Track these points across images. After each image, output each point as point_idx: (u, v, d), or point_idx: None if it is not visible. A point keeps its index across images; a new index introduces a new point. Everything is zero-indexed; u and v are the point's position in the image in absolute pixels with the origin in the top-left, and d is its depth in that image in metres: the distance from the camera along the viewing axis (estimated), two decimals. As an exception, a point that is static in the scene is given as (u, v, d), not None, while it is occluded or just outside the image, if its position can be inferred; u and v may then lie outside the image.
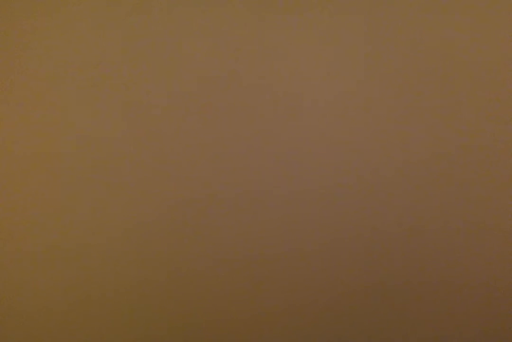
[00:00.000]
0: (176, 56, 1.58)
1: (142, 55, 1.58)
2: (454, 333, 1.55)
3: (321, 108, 1.58)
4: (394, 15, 1.57)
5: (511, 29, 1.54)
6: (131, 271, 1.56)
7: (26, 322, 1.53)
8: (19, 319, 1.53)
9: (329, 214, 1.57)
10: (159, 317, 1.56)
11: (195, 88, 1.58)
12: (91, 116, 1.57)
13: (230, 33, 1.58)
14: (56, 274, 1.54)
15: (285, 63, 1.58)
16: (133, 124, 1.57)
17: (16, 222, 1.54)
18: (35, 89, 1.56)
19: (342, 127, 1.58)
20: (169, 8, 1.58)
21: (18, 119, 1.56)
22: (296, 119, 1.58)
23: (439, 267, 1.55)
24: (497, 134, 1.54)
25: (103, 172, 1.56)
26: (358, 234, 1.57)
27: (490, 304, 1.54)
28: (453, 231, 1.55)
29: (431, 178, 1.56)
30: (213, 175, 1.57)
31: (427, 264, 1.56)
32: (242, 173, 1.58)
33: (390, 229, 1.57)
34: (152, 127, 1.57)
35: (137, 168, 1.57)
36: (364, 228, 1.57)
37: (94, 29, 1.57)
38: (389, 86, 1.58)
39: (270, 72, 1.58)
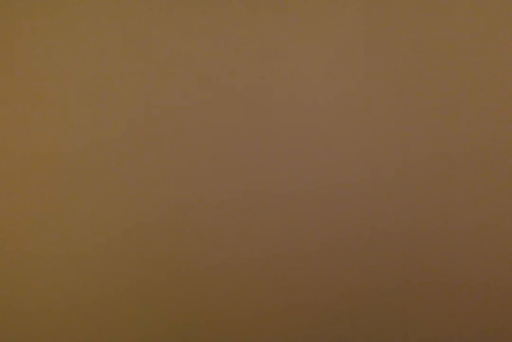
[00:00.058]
0: (176, 56, 1.58)
1: (142, 55, 1.58)
2: (454, 333, 1.55)
3: (321, 108, 1.58)
4: (394, 15, 1.57)
5: (511, 29, 1.54)
6: (131, 271, 1.56)
7: (26, 322, 1.53)
8: (19, 319, 1.53)
9: (329, 214, 1.57)
10: (159, 317, 1.56)
11: (195, 88, 1.58)
12: (91, 116, 1.57)
13: (230, 33, 1.58)
14: (56, 274, 1.54)
15: (285, 63, 1.58)
16: (133, 124, 1.57)
17: (16, 222, 1.54)
18: (35, 89, 1.56)
19: (342, 127, 1.58)
20: (169, 8, 1.58)
21: (18, 119, 1.56)
22: (296, 119, 1.58)
23: (439, 267, 1.55)
24: (497, 134, 1.54)
25: (103, 172, 1.56)
26: (358, 234, 1.57)
27: (490, 304, 1.54)
28: (453, 231, 1.55)
29: (431, 178, 1.56)
30: (213, 175, 1.57)
31: (427, 264, 1.56)
32: (242, 172, 1.58)
33: (390, 229, 1.57)
34: (152, 127, 1.57)
35: (137, 168, 1.57)
36: (364, 228, 1.57)
37: (94, 29, 1.57)
38: (389, 86, 1.58)
39: (270, 72, 1.58)
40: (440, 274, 1.55)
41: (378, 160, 1.58)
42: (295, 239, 1.57)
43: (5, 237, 1.53)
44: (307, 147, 1.58)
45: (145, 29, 1.58)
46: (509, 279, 1.53)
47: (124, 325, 1.55)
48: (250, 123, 1.58)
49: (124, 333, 1.55)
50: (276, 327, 1.57)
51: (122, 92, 1.57)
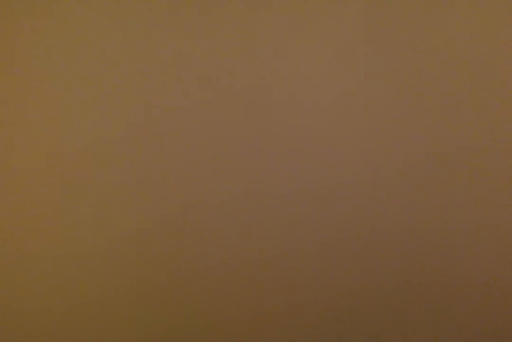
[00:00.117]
0: (176, 56, 1.58)
1: (142, 55, 1.58)
2: (454, 333, 1.55)
3: (321, 108, 1.58)
4: (394, 15, 1.57)
5: (511, 29, 1.54)
6: (131, 271, 1.56)
7: (26, 322, 1.53)
8: (19, 319, 1.53)
9: (329, 214, 1.57)
10: (159, 317, 1.56)
11: (195, 88, 1.58)
12: (91, 116, 1.57)
13: (230, 33, 1.58)
14: (56, 274, 1.54)
15: (285, 63, 1.58)
16: (133, 124, 1.57)
17: (16, 222, 1.54)
18: (35, 89, 1.56)
19: (342, 127, 1.58)
20: (169, 8, 1.58)
21: (18, 119, 1.56)
22: (296, 119, 1.58)
23: (439, 267, 1.55)
24: (497, 134, 1.54)
25: (103, 172, 1.56)
26: (358, 234, 1.57)
27: (490, 304, 1.54)
28: (453, 231, 1.55)
29: (431, 178, 1.56)
30: (213, 175, 1.57)
31: (427, 264, 1.56)
32: (242, 173, 1.58)
33: (390, 229, 1.57)
34: (152, 127, 1.57)
35: (137, 168, 1.57)
36: (364, 228, 1.57)
37: (94, 29, 1.57)
38: (389, 86, 1.58)
39: (270, 72, 1.58)
40: (440, 274, 1.55)
41: (378, 160, 1.58)
42: (295, 239, 1.57)
43: (5, 237, 1.53)
44: (307, 147, 1.58)
45: (145, 29, 1.58)
46: (509, 279, 1.53)
47: (124, 325, 1.55)
48: (250, 123, 1.58)
49: (124, 333, 1.55)
50: (276, 327, 1.57)
51: (122, 92, 1.57)
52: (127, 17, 1.58)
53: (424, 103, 1.57)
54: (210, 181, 1.57)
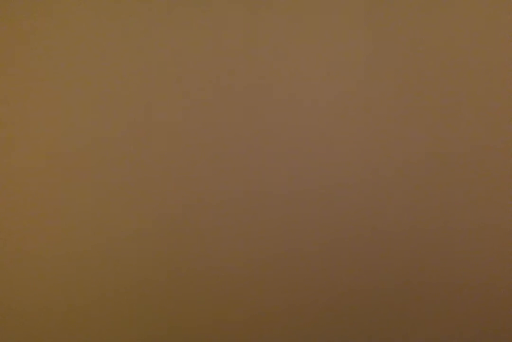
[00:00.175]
0: (176, 56, 1.58)
1: (142, 55, 1.58)
2: (454, 333, 1.55)
3: (321, 108, 1.58)
4: (394, 15, 1.57)
5: (511, 29, 1.54)
6: (131, 271, 1.56)
7: (26, 322, 1.53)
8: (19, 319, 1.53)
9: (329, 214, 1.57)
10: (159, 317, 1.56)
11: (195, 88, 1.58)
12: (91, 116, 1.57)
13: (230, 33, 1.58)
14: (56, 274, 1.54)
15: (285, 63, 1.58)
16: (133, 124, 1.57)
17: (16, 222, 1.54)
18: (35, 89, 1.56)
19: (342, 127, 1.58)
20: (169, 8, 1.58)
21: (18, 119, 1.56)
22: (296, 119, 1.58)
23: (439, 267, 1.55)
24: (497, 134, 1.54)
25: (103, 172, 1.56)
26: (358, 234, 1.57)
27: (490, 304, 1.54)
28: (453, 231, 1.55)
29: (431, 178, 1.56)
30: (213, 175, 1.57)
31: (427, 264, 1.56)
32: (242, 173, 1.58)
33: (390, 229, 1.57)
34: (152, 127, 1.57)
35: (137, 168, 1.57)
36: (364, 228, 1.57)
37: (94, 29, 1.57)
38: (389, 86, 1.58)
39: (270, 72, 1.58)
40: (440, 274, 1.55)
41: (378, 160, 1.58)
42: (295, 239, 1.57)
43: (5, 237, 1.53)
44: (307, 147, 1.58)
45: (145, 29, 1.58)
46: (509, 279, 1.53)
47: (124, 325, 1.55)
48: (250, 123, 1.58)
49: (124, 333, 1.55)
50: (276, 327, 1.57)
51: (122, 92, 1.57)
52: (127, 17, 1.58)
53: (424, 103, 1.57)
54: (210, 181, 1.57)
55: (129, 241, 1.56)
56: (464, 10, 1.56)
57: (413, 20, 1.57)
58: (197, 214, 1.57)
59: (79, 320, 1.54)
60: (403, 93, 1.57)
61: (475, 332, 1.54)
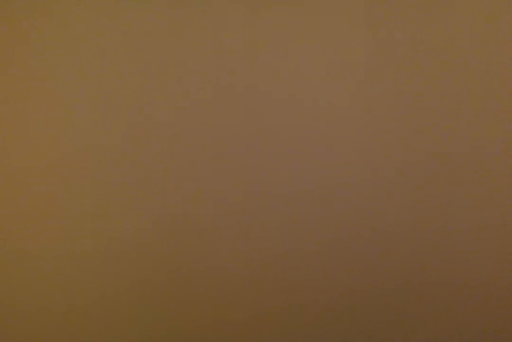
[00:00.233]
0: (176, 56, 1.58)
1: (142, 55, 1.58)
2: (454, 333, 1.55)
3: (321, 108, 1.58)
4: (394, 15, 1.57)
5: (511, 29, 1.54)
6: (131, 271, 1.56)
7: (26, 322, 1.53)
8: (19, 319, 1.53)
9: (329, 214, 1.57)
10: (159, 317, 1.56)
11: (195, 88, 1.58)
12: (91, 116, 1.57)
13: (230, 33, 1.58)
14: (56, 274, 1.54)
15: (285, 63, 1.58)
16: (133, 124, 1.57)
17: (16, 222, 1.54)
18: (35, 89, 1.56)
19: (342, 127, 1.58)
20: (169, 8, 1.58)
21: (18, 119, 1.56)
22: (296, 119, 1.58)
23: (439, 267, 1.55)
24: (497, 134, 1.54)
25: (103, 172, 1.56)
26: (358, 234, 1.57)
27: (490, 304, 1.54)
28: (453, 231, 1.55)
29: (431, 178, 1.56)
30: (213, 175, 1.57)
31: (427, 264, 1.56)
32: (242, 173, 1.58)
33: (390, 229, 1.57)
34: (152, 127, 1.57)
35: (137, 168, 1.57)
36: (364, 228, 1.57)
37: (94, 29, 1.57)
38: (389, 86, 1.58)
39: (270, 72, 1.58)
40: (440, 274, 1.55)
41: (378, 160, 1.58)
42: (295, 239, 1.57)
43: (5, 237, 1.53)
44: (307, 148, 1.58)
45: (145, 29, 1.58)
46: (509, 279, 1.53)
47: (124, 325, 1.55)
48: (250, 123, 1.58)
49: (124, 333, 1.55)
50: (276, 327, 1.57)
51: (122, 92, 1.57)
52: (127, 17, 1.58)
53: (424, 103, 1.57)
54: (210, 181, 1.57)
55: (129, 241, 1.56)
56: (464, 10, 1.56)
57: (413, 20, 1.57)
58: (197, 214, 1.57)
59: (79, 320, 1.54)
60: (403, 93, 1.57)
61: (475, 332, 1.54)
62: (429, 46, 1.57)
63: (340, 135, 1.58)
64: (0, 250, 1.53)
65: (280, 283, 1.57)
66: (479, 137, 1.55)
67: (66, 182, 1.55)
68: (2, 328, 1.53)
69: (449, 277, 1.55)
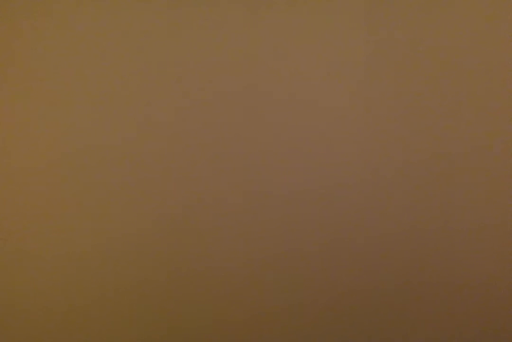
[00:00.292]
0: (176, 56, 1.58)
1: (142, 55, 1.58)
2: (454, 333, 1.55)
3: (321, 108, 1.58)
4: (394, 15, 1.57)
5: (511, 29, 1.54)
6: (131, 271, 1.56)
7: (26, 322, 1.53)
8: (19, 319, 1.53)
9: (329, 214, 1.57)
10: (159, 317, 1.56)
11: (195, 88, 1.58)
12: (91, 116, 1.57)
13: (230, 33, 1.58)
14: (56, 274, 1.54)
15: (285, 63, 1.58)
16: (133, 124, 1.57)
17: (16, 222, 1.54)
18: (35, 89, 1.56)
19: (342, 128, 1.58)
20: (169, 8, 1.58)
21: (18, 119, 1.56)
22: (296, 119, 1.58)
23: (439, 267, 1.55)
24: (497, 134, 1.54)
25: (103, 172, 1.56)
26: (358, 234, 1.57)
27: (490, 304, 1.54)
28: (453, 231, 1.55)
29: (431, 178, 1.56)
30: (213, 175, 1.57)
31: (427, 264, 1.56)
32: (242, 173, 1.58)
33: (390, 229, 1.57)
34: (152, 127, 1.57)
35: (137, 168, 1.57)
36: (364, 228, 1.57)
37: (94, 29, 1.57)
38: (389, 86, 1.58)
39: (270, 72, 1.58)
40: (440, 274, 1.55)
41: (378, 160, 1.58)
42: (295, 239, 1.57)
43: (5, 237, 1.53)
44: (307, 147, 1.58)
45: (145, 29, 1.58)
46: (509, 279, 1.53)
47: (124, 325, 1.55)
48: (250, 123, 1.58)
49: (124, 333, 1.55)
50: (276, 327, 1.57)
51: (122, 92, 1.57)
52: (127, 17, 1.58)
53: (424, 104, 1.57)
54: (210, 181, 1.57)
55: (129, 241, 1.56)
56: (464, 10, 1.56)
57: (413, 20, 1.57)
58: (197, 214, 1.57)
59: (79, 320, 1.54)
60: (403, 93, 1.57)
61: (475, 332, 1.54)
62: (429, 46, 1.57)
63: (340, 135, 1.58)
64: (0, 250, 1.53)
65: (280, 283, 1.57)
66: (479, 137, 1.55)
67: (66, 182, 1.55)
68: (2, 328, 1.53)
69: (449, 277, 1.55)
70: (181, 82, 1.58)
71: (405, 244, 1.56)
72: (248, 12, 1.58)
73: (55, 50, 1.56)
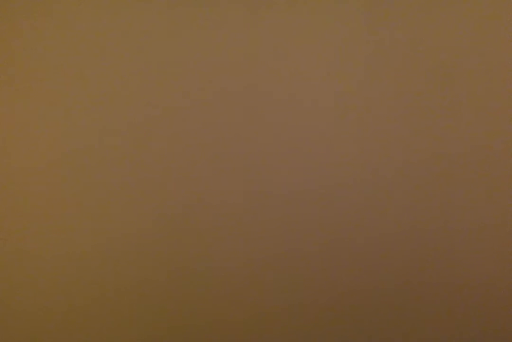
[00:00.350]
0: (176, 56, 1.58)
1: (142, 55, 1.58)
2: (454, 333, 1.55)
3: (321, 108, 1.58)
4: (394, 15, 1.57)
5: (511, 29, 1.54)
6: (131, 271, 1.56)
7: (26, 322, 1.53)
8: (19, 319, 1.53)
9: (329, 214, 1.57)
10: (159, 317, 1.56)
11: (195, 88, 1.58)
12: (91, 116, 1.57)
13: (230, 33, 1.58)
14: (56, 274, 1.54)
15: (285, 63, 1.58)
16: (133, 124, 1.57)
17: (16, 222, 1.54)
18: (35, 89, 1.56)
19: (342, 127, 1.58)
20: (169, 8, 1.58)
21: (18, 119, 1.56)
22: (296, 119, 1.58)
23: (439, 267, 1.55)
24: (497, 134, 1.54)
25: (103, 172, 1.56)
26: (358, 234, 1.57)
27: (490, 304, 1.54)
28: (453, 231, 1.55)
29: (431, 178, 1.56)
30: (213, 175, 1.57)
31: (427, 264, 1.56)
32: (242, 173, 1.58)
33: (390, 229, 1.57)
34: (152, 127, 1.57)
35: (137, 168, 1.57)
36: (364, 228, 1.57)
37: (94, 29, 1.57)
38: (389, 86, 1.58)
39: (270, 72, 1.58)
40: (440, 274, 1.55)
41: (378, 160, 1.58)
42: (295, 239, 1.57)
43: (5, 237, 1.53)
44: (307, 147, 1.58)
45: (145, 29, 1.58)
46: (509, 279, 1.53)
47: (124, 325, 1.55)
48: (250, 123, 1.58)
49: (124, 333, 1.55)
50: (276, 327, 1.57)
51: (122, 92, 1.57)
52: (127, 17, 1.58)
53: (424, 104, 1.57)
54: (210, 181, 1.57)
55: (129, 241, 1.56)
56: (464, 10, 1.56)
57: (413, 20, 1.57)
58: (197, 214, 1.57)
59: (79, 320, 1.54)
60: (403, 93, 1.57)
61: (475, 332, 1.54)
62: (429, 46, 1.57)
63: (340, 135, 1.58)
64: (0, 250, 1.53)
65: (280, 283, 1.57)
66: (479, 137, 1.55)
67: (66, 182, 1.55)
68: (2, 328, 1.53)
69: (449, 277, 1.55)
70: (181, 82, 1.58)
71: (405, 244, 1.56)
72: (248, 12, 1.58)
73: (55, 50, 1.56)
